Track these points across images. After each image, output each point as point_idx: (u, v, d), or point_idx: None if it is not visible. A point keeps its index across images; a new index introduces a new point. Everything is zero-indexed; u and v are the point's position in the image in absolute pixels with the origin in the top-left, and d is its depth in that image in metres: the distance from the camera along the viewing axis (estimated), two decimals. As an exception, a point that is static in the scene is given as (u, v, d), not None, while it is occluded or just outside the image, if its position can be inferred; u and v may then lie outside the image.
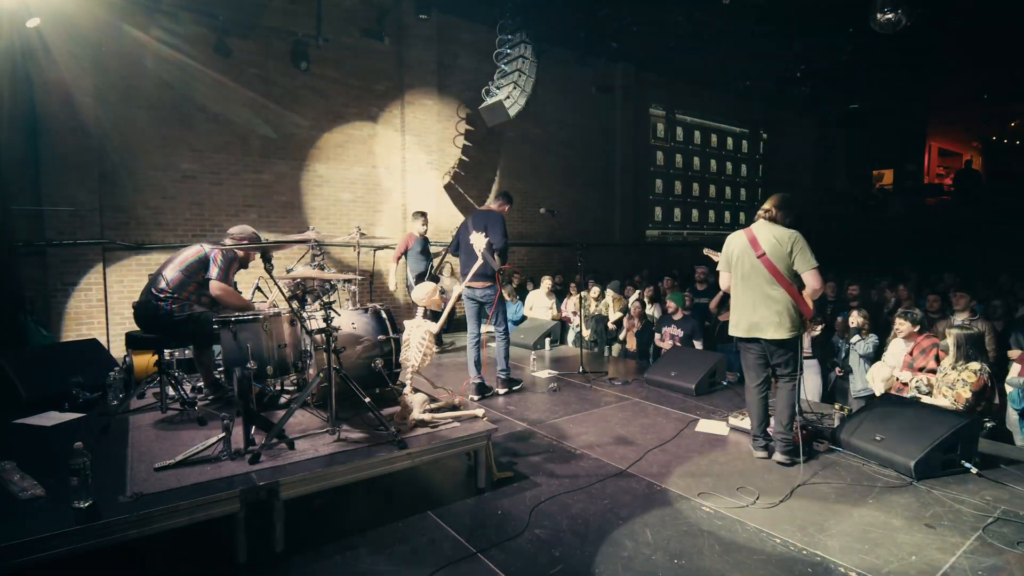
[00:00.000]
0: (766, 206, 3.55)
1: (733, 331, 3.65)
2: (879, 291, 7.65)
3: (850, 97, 12.80)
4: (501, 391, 5.03)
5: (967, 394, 3.81)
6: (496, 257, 4.57)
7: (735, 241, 3.64)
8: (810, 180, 15.86)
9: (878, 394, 4.53)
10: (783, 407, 3.49)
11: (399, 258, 6.59)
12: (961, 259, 10.76)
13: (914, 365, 4.45)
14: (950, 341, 3.99)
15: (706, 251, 4.60)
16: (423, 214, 6.79)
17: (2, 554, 1.96)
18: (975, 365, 3.87)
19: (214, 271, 3.48)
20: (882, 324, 6.00)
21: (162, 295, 3.40)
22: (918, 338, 4.54)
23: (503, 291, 5.10)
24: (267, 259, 2.94)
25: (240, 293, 3.69)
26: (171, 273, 3.45)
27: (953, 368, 3.96)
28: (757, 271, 3.46)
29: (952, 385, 3.92)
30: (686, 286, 8.26)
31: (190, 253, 3.55)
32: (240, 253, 3.66)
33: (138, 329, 3.56)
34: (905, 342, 4.62)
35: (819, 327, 5.37)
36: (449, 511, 2.91)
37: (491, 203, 5.14)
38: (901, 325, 4.58)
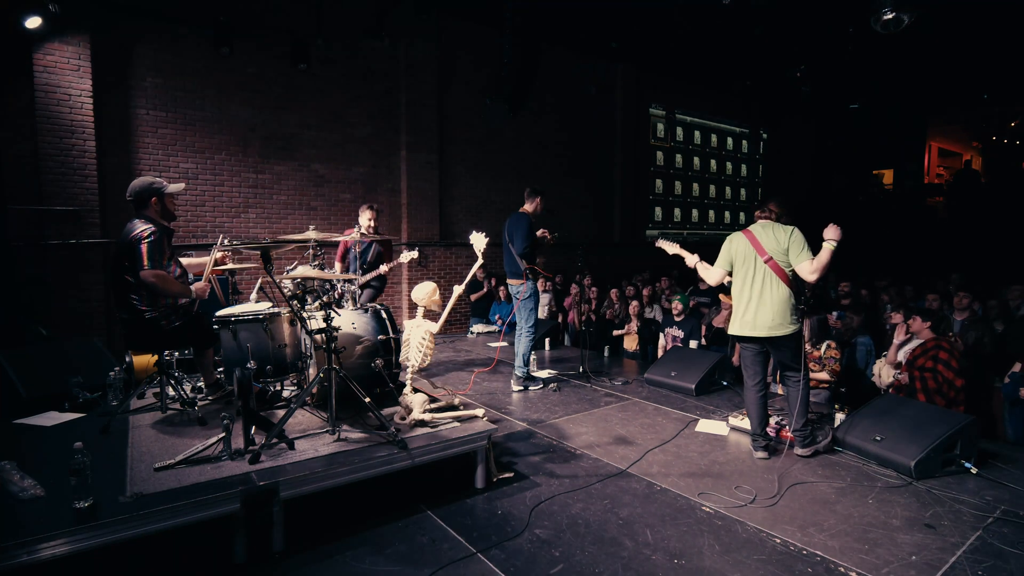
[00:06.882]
0: (770, 206, 3.56)
1: (732, 330, 3.64)
2: (877, 291, 7.64)
3: (850, 97, 12.78)
4: (515, 388, 5.09)
5: (838, 366, 4.75)
6: (523, 259, 4.93)
7: (738, 242, 3.61)
8: (810, 180, 15.84)
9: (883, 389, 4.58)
10: (798, 407, 3.49)
11: None
12: (960, 259, 10.75)
13: (915, 364, 4.44)
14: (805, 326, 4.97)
15: (659, 243, 4.08)
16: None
17: (2, 554, 1.96)
18: (830, 342, 4.81)
19: (144, 260, 3.12)
20: (879, 324, 6.00)
21: (146, 310, 3.20)
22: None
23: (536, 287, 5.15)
24: (267, 259, 2.95)
25: (173, 274, 3.33)
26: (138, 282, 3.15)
27: (815, 348, 4.79)
28: (765, 274, 3.46)
29: (820, 361, 4.75)
30: (686, 286, 8.27)
31: (133, 246, 3.15)
32: (159, 219, 3.34)
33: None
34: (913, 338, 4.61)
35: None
36: (449, 511, 2.91)
37: (525, 205, 5.20)
38: (913, 322, 4.57)
